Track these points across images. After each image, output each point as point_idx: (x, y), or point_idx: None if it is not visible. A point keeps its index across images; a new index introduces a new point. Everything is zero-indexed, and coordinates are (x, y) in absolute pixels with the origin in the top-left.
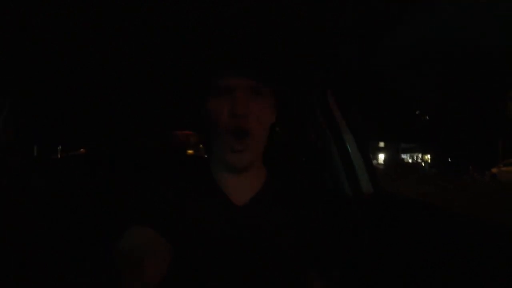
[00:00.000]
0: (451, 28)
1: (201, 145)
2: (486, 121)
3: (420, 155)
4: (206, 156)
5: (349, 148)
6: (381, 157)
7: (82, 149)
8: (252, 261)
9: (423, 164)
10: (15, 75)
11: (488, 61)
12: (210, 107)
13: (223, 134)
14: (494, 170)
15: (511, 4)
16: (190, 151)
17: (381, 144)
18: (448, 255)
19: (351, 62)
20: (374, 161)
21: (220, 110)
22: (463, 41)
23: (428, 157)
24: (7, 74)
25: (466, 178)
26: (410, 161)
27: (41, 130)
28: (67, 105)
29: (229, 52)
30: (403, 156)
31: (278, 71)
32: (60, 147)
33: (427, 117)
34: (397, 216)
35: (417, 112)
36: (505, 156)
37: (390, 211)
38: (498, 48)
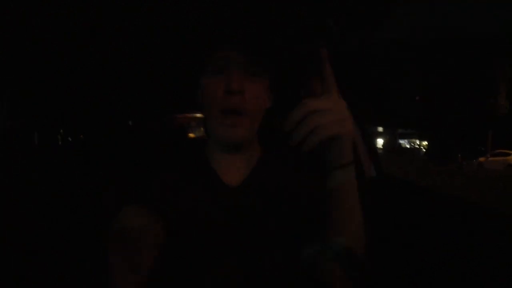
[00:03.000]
0: (452, 18)
1: (202, 128)
2: (477, 113)
3: (417, 141)
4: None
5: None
6: (380, 142)
7: None
8: (245, 241)
9: (422, 148)
10: (13, 62)
11: (482, 56)
12: (206, 86)
13: (216, 111)
14: (481, 159)
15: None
16: (191, 135)
17: (380, 129)
18: (448, 238)
19: (350, 45)
20: None
21: (215, 88)
22: (461, 33)
23: (425, 143)
24: (5, 62)
25: (453, 166)
26: (408, 146)
27: (41, 115)
28: (65, 88)
29: (223, 29)
30: (401, 141)
31: (274, 51)
32: (61, 131)
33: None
34: (398, 200)
35: (416, 98)
36: (493, 147)
37: (392, 195)
38: (491, 42)
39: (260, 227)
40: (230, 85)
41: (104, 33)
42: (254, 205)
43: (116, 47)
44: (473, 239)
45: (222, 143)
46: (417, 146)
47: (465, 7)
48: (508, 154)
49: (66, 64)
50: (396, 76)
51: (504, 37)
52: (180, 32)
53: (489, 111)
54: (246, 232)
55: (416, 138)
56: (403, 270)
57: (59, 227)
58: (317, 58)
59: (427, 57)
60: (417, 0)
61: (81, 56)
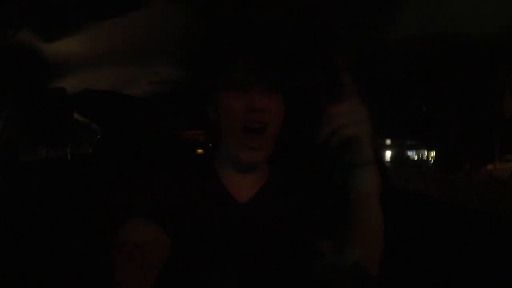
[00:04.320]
0: (454, 22)
1: (210, 144)
2: (483, 118)
3: (425, 152)
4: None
5: None
6: (388, 154)
7: None
8: (254, 258)
9: (430, 159)
10: (19, 72)
11: (487, 58)
12: (224, 103)
13: (238, 130)
14: (489, 167)
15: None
16: (200, 150)
17: (388, 142)
18: (457, 250)
19: (359, 57)
20: None
21: (236, 105)
22: (462, 35)
23: (433, 153)
24: (11, 71)
25: (461, 175)
26: (416, 158)
27: (48, 129)
28: (74, 101)
29: (245, 46)
30: (410, 153)
31: (292, 67)
32: (70, 145)
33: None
34: (408, 213)
35: (424, 109)
36: (501, 154)
37: (401, 208)
38: (495, 44)
39: (268, 242)
40: (254, 103)
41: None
42: (263, 221)
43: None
44: (481, 248)
45: (237, 164)
46: (424, 157)
47: (468, 9)
48: None
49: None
50: (402, 86)
51: (509, 39)
52: (196, 48)
53: (495, 115)
54: (254, 247)
55: (424, 149)
56: (412, 281)
57: (64, 229)
58: (335, 66)
59: (431, 60)
60: (419, 5)
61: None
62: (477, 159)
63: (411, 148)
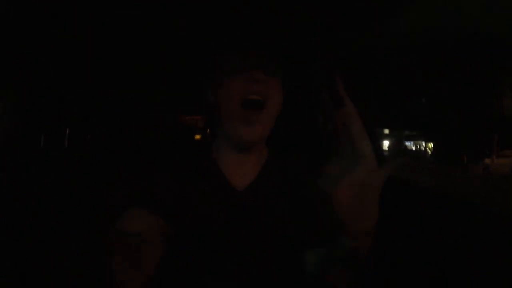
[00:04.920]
0: (456, 19)
1: (208, 130)
2: (482, 115)
3: (423, 143)
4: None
5: None
6: (386, 143)
7: None
8: (249, 245)
9: (428, 151)
10: (18, 65)
11: (486, 56)
12: (224, 80)
13: (237, 105)
14: (487, 161)
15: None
16: (197, 136)
17: (386, 131)
18: (452, 240)
19: (358, 47)
20: None
21: (236, 80)
22: (462, 33)
23: (431, 145)
24: (9, 64)
25: (459, 168)
26: (413, 148)
27: (47, 119)
28: (71, 89)
29: (244, 29)
30: (407, 143)
31: (291, 52)
32: (68, 132)
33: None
34: (406, 203)
35: (423, 100)
36: (499, 149)
37: (400, 198)
38: (496, 41)
39: (266, 230)
40: (254, 74)
41: (111, 32)
42: (260, 208)
43: (124, 47)
44: (478, 240)
45: (235, 142)
46: (422, 148)
47: (468, 7)
48: None
49: (72, 65)
50: (402, 79)
51: (509, 36)
52: (192, 31)
53: (494, 112)
54: (251, 235)
55: (422, 140)
56: (408, 272)
57: (64, 229)
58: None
59: (432, 58)
60: (420, 2)
61: (88, 56)
62: (475, 153)
63: (409, 138)
